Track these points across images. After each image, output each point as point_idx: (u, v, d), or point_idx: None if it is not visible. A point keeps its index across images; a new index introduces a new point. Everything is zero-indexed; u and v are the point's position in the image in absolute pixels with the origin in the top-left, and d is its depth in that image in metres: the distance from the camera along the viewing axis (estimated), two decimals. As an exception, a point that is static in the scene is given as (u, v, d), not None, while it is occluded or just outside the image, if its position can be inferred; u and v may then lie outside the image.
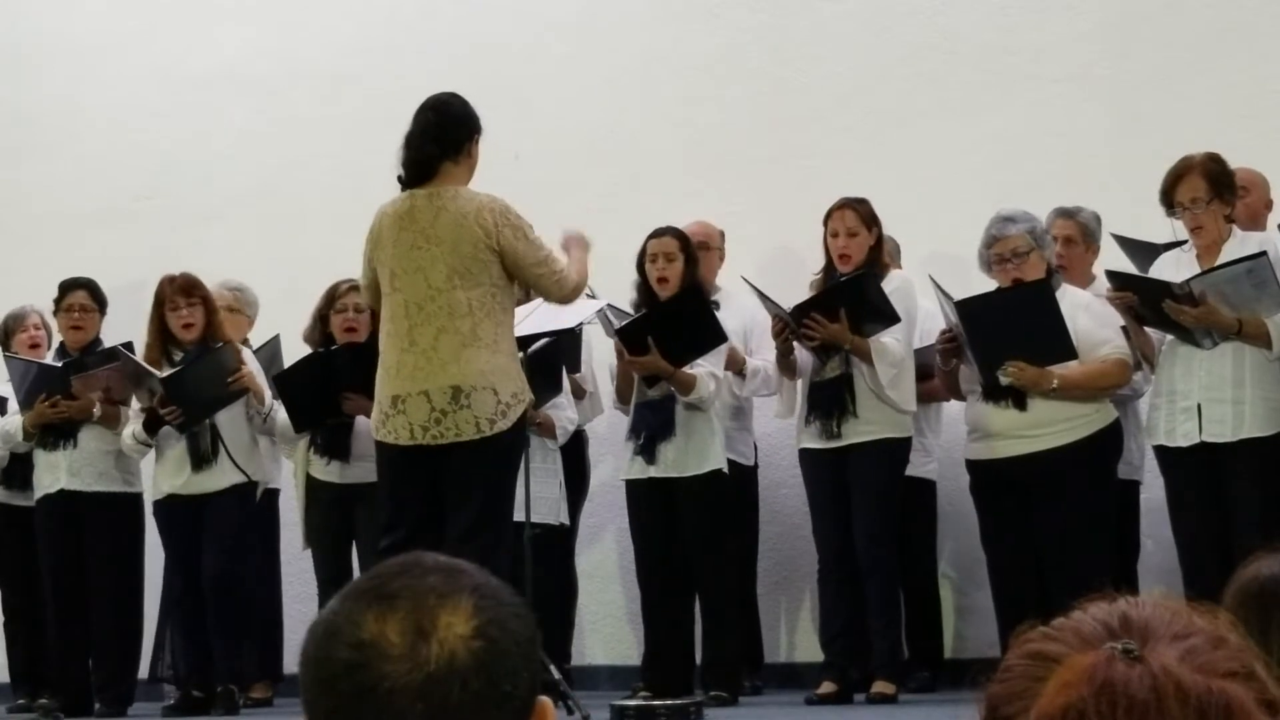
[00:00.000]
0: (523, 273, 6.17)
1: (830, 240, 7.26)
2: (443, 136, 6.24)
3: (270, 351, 8.42)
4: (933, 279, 6.90)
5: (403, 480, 6.20)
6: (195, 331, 7.70)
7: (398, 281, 6.14)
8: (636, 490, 7.54)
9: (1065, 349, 6.57)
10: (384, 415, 6.17)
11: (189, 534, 7.67)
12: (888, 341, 7.10)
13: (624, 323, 7.45)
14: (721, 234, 8.12)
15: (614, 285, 7.79)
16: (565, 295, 6.42)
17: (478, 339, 6.05)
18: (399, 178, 6.25)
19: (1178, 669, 1.22)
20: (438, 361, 6.05)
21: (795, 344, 7.25)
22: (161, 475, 7.76)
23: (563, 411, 7.73)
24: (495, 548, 5.96)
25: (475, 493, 6.10)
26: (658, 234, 7.53)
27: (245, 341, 8.52)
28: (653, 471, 7.42)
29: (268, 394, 7.76)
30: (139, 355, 7.81)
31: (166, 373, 7.58)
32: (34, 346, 8.38)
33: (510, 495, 6.29)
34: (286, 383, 7.67)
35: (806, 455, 7.34)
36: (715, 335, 7.36)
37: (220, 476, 7.65)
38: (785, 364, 7.37)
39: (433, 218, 6.11)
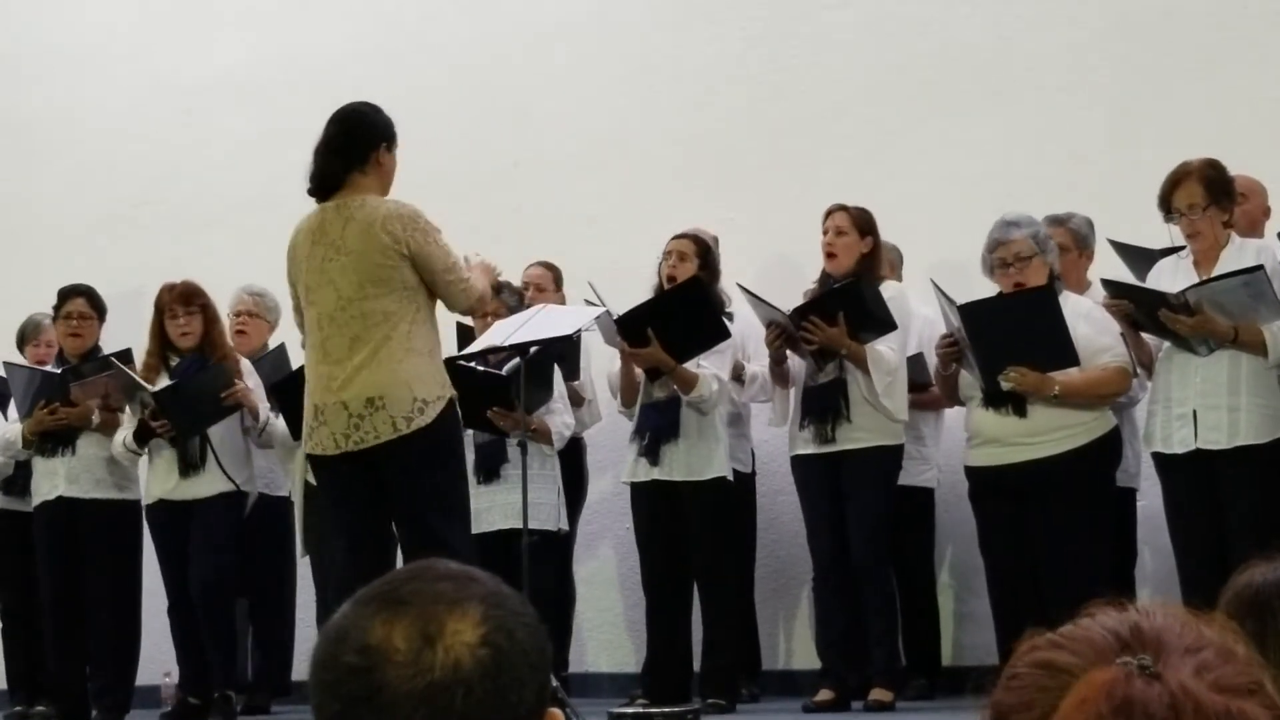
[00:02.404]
0: (433, 278, 6.11)
1: (822, 241, 7.30)
2: (346, 148, 6.21)
3: (275, 359, 8.42)
4: (934, 283, 6.90)
5: (336, 489, 6.21)
6: (193, 340, 7.70)
7: (312, 295, 6.15)
8: (640, 493, 7.55)
9: (1068, 355, 6.56)
10: (309, 428, 6.19)
11: (179, 540, 7.66)
12: (883, 350, 7.11)
13: (624, 313, 7.45)
14: (715, 240, 8.12)
15: (613, 291, 7.80)
16: (471, 304, 6.39)
17: (391, 342, 6.03)
18: (309, 191, 6.24)
19: (1195, 687, 1.22)
20: (351, 369, 6.04)
21: (789, 351, 7.26)
22: (152, 480, 7.76)
23: (559, 416, 7.74)
24: (457, 546, 5.85)
25: (410, 494, 6.08)
26: (679, 235, 7.57)
27: (264, 347, 8.53)
28: (656, 473, 7.43)
29: (263, 407, 7.74)
30: (139, 363, 7.81)
31: (158, 387, 7.57)
32: (40, 361, 8.41)
33: (452, 490, 6.20)
34: (283, 392, 7.67)
35: (799, 462, 7.34)
36: (718, 330, 7.37)
37: (208, 483, 7.64)
38: (778, 372, 7.38)
39: (341, 228, 6.10)
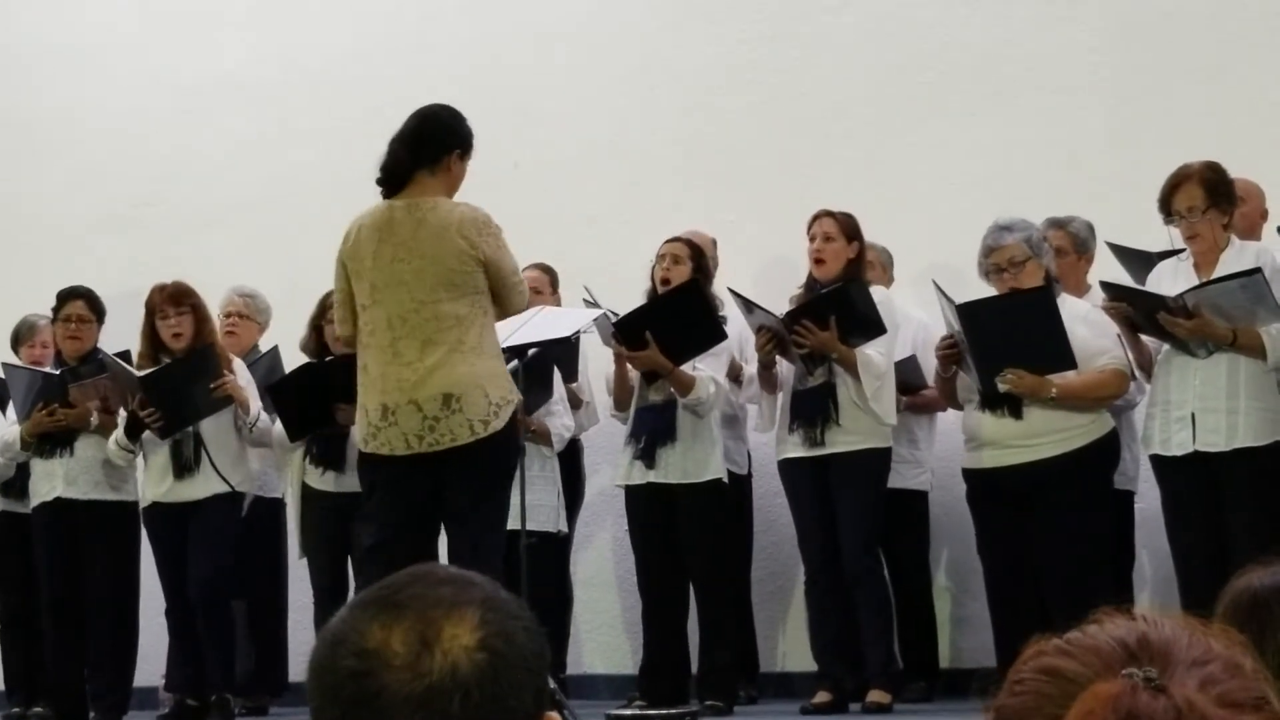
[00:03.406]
0: (501, 281, 6.12)
1: (808, 247, 7.30)
2: (417, 144, 6.19)
3: (269, 362, 8.41)
4: (936, 284, 6.91)
5: (394, 489, 6.16)
6: (184, 340, 7.65)
7: (379, 294, 6.10)
8: (635, 496, 7.55)
9: (1065, 357, 6.57)
10: (374, 428, 6.13)
11: (176, 543, 7.64)
12: (871, 354, 7.12)
13: (622, 316, 7.45)
14: (714, 242, 8.13)
15: (612, 293, 7.80)
16: (522, 307, 6.41)
17: (464, 345, 6.03)
18: (377, 180, 6.22)
19: (1201, 702, 1.21)
20: (424, 371, 6.02)
21: (778, 356, 7.26)
22: (147, 483, 7.73)
23: (558, 418, 7.74)
24: (496, 550, 5.96)
25: (475, 496, 6.09)
26: (671, 239, 7.57)
27: (254, 348, 8.53)
28: (652, 476, 7.43)
29: (254, 404, 7.72)
30: (134, 364, 7.79)
31: (144, 372, 7.55)
32: (35, 362, 8.40)
33: (507, 498, 6.28)
34: (280, 393, 7.66)
35: (787, 466, 7.34)
36: (715, 332, 7.38)
37: (203, 485, 7.60)
38: (767, 377, 7.38)
39: (413, 230, 6.07)
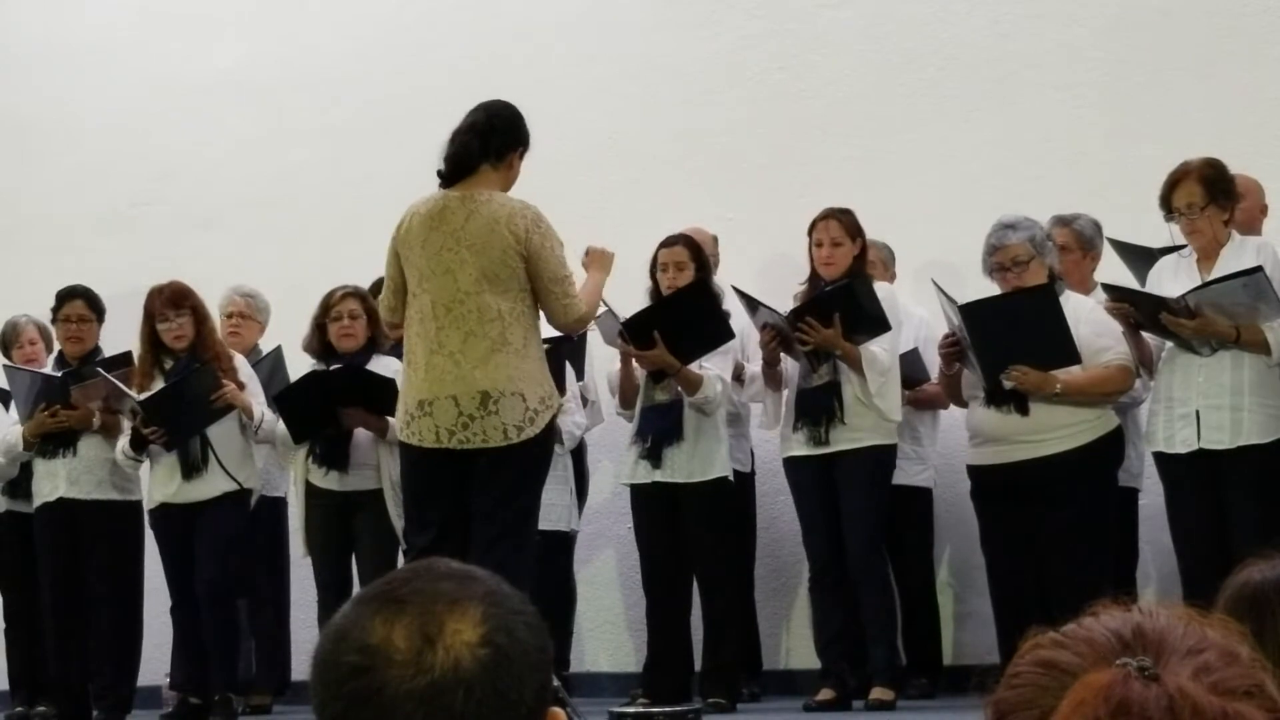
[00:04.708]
0: (539, 284, 6.09)
1: (814, 250, 7.28)
2: (487, 136, 6.20)
3: (273, 362, 8.40)
4: (935, 283, 6.91)
5: (427, 482, 6.16)
6: (185, 342, 7.62)
7: (426, 283, 6.09)
8: (641, 495, 7.55)
9: (1069, 353, 6.57)
10: (409, 416, 6.12)
11: (183, 542, 7.63)
12: (876, 350, 7.11)
13: (630, 316, 7.44)
14: (715, 239, 8.12)
15: (612, 291, 7.78)
16: (569, 323, 6.37)
17: (506, 344, 6.02)
18: (439, 172, 6.20)
19: (1194, 690, 1.21)
20: (466, 365, 6.01)
21: (783, 354, 7.26)
22: (154, 485, 7.71)
23: (570, 416, 7.72)
24: (519, 555, 5.94)
25: (501, 499, 6.07)
26: (668, 242, 7.53)
27: (255, 348, 8.52)
28: (658, 476, 7.43)
29: (257, 406, 7.70)
30: (135, 366, 7.77)
31: (144, 396, 7.51)
32: (30, 361, 8.38)
33: (537, 501, 6.27)
34: (285, 399, 7.65)
35: (792, 463, 7.33)
36: (723, 331, 7.37)
37: (211, 485, 7.58)
38: (771, 374, 7.37)
39: (464, 220, 6.06)
